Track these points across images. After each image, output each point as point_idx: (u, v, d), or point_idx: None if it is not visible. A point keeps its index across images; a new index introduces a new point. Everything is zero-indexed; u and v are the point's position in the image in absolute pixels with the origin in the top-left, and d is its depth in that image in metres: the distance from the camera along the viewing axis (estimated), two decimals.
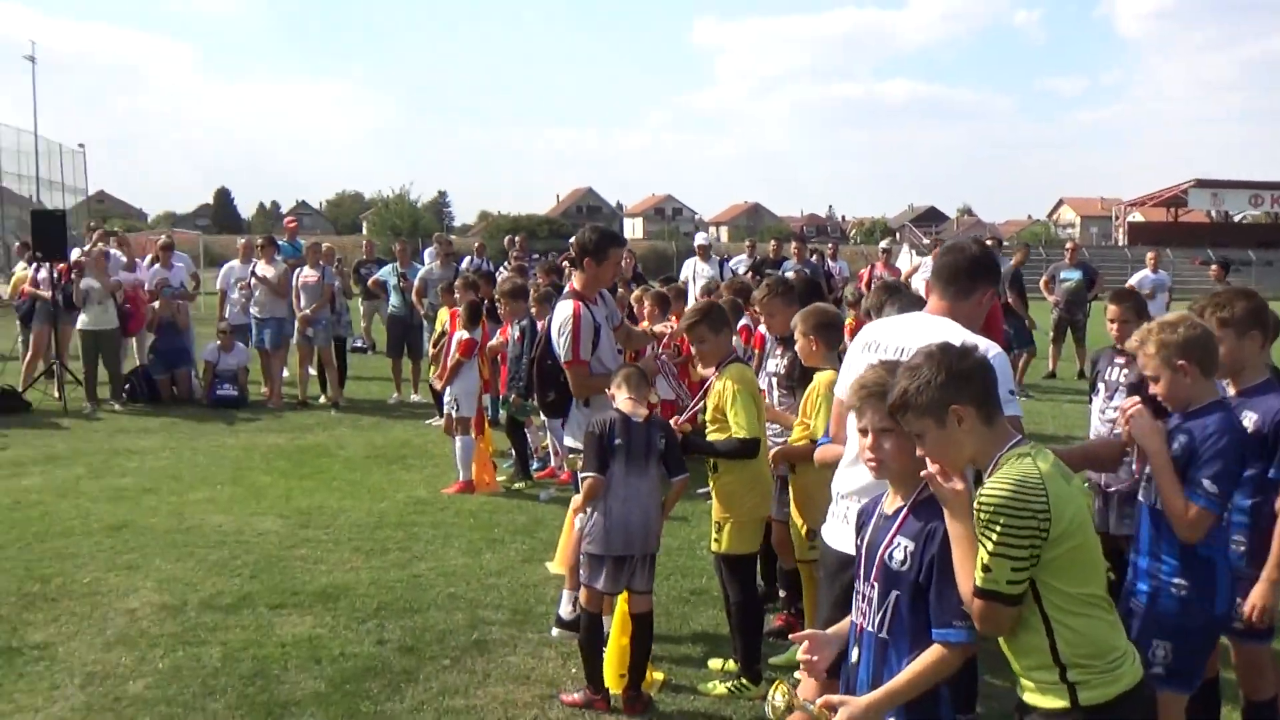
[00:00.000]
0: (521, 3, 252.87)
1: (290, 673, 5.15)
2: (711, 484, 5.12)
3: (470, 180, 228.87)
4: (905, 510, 2.89)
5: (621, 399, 4.97)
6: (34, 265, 13.22)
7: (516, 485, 9.18)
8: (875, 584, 2.89)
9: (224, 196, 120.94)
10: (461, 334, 9.27)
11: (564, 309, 5.57)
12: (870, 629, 2.91)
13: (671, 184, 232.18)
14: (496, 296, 10.00)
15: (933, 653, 2.76)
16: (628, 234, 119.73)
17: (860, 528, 3.06)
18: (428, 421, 12.01)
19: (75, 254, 13.18)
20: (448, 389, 9.25)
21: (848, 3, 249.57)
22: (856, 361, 3.66)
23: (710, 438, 5.07)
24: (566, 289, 5.89)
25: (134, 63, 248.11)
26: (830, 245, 18.75)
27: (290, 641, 5.53)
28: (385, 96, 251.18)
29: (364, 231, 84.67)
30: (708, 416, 5.07)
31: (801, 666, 3.11)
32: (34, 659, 5.26)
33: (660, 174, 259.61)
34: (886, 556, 2.86)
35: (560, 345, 5.52)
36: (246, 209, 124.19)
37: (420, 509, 8.34)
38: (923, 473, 2.77)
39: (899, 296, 4.99)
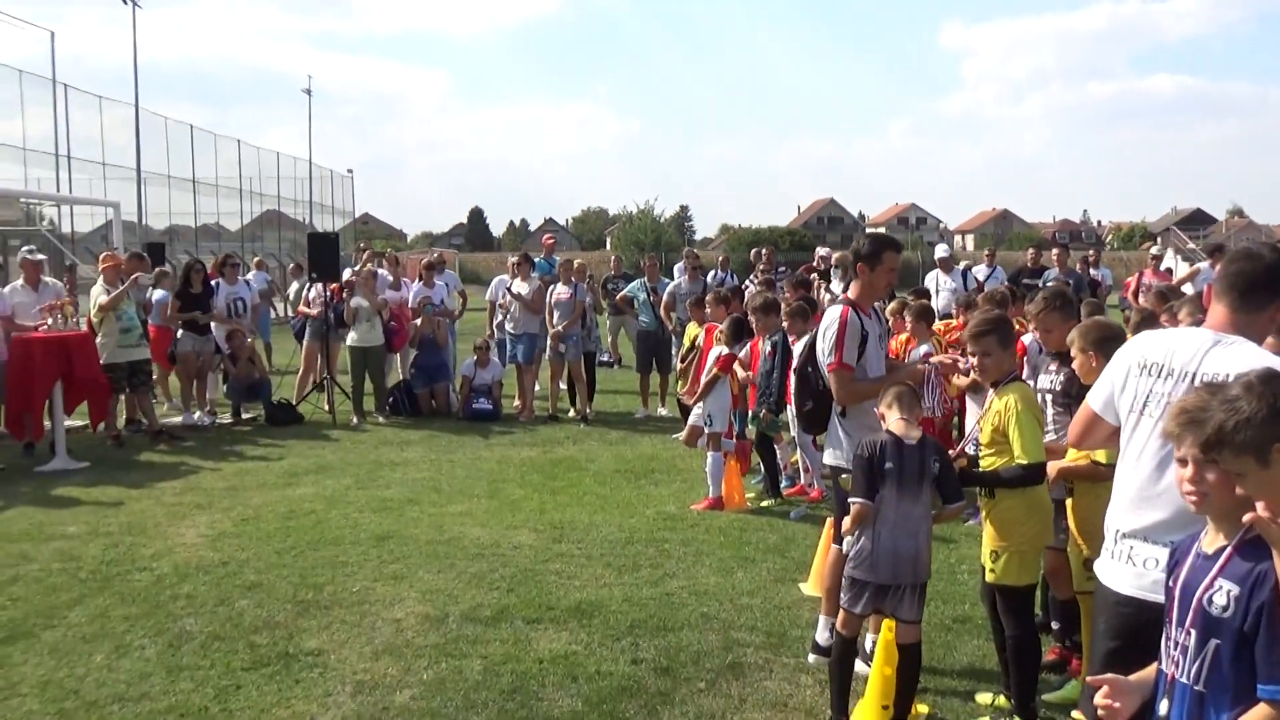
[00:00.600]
0: (762, 16, 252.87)
1: (548, 690, 5.16)
2: (985, 511, 4.82)
3: (711, 193, 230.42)
4: (1229, 550, 2.57)
5: (893, 419, 4.75)
6: (306, 285, 14.04)
7: (765, 503, 9.04)
8: (1191, 630, 2.59)
9: (477, 215, 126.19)
10: (720, 349, 9.20)
11: (832, 313, 5.39)
12: (1184, 680, 2.61)
13: (915, 192, 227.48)
14: (747, 311, 9.90)
15: (1259, 712, 2.44)
16: None
17: (1173, 566, 2.76)
18: (675, 436, 12.02)
19: (346, 274, 13.90)
20: (700, 404, 9.19)
21: None
22: (1120, 375, 3.34)
23: (987, 461, 4.76)
24: (840, 296, 5.71)
25: (396, 91, 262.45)
26: (1091, 251, 17.72)
27: (547, 657, 5.56)
28: (628, 114, 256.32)
29: (609, 246, 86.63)
30: (984, 439, 4.76)
31: (1099, 714, 2.83)
32: (308, 665, 5.47)
33: (903, 182, 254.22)
34: (1205, 600, 2.55)
35: (824, 349, 5.33)
36: (498, 227, 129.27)
37: (670, 525, 8.30)
38: (1247, 517, 2.46)
39: (1190, 305, 4.58)
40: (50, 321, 10.84)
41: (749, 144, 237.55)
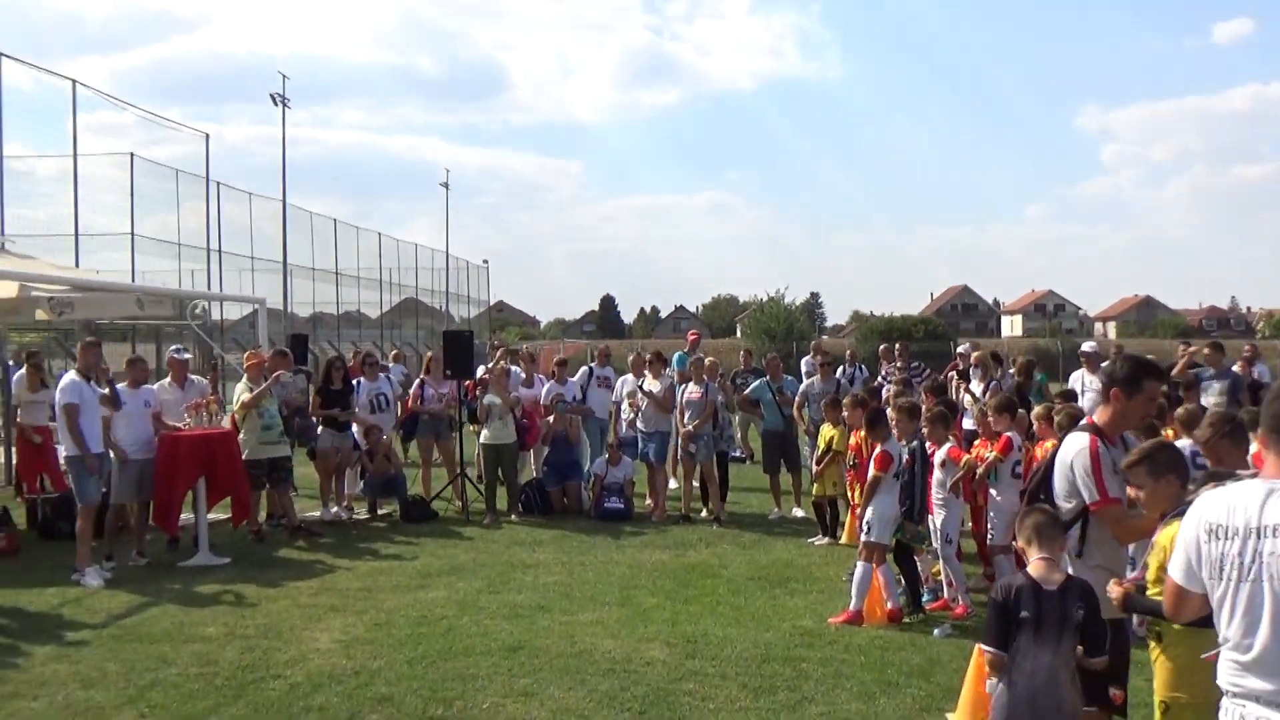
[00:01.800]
0: (895, 100, 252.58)
1: None
2: (1154, 656, 4.46)
3: (842, 280, 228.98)
4: None
5: (1033, 559, 4.46)
6: (420, 382, 14.30)
7: (907, 619, 8.66)
8: None
9: (608, 303, 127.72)
10: (878, 448, 8.94)
11: (1078, 443, 4.93)
12: None
13: (1052, 279, 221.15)
14: (890, 414, 9.64)
15: None
16: (1005, 331, 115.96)
17: None
18: (810, 540, 11.73)
19: (480, 371, 14.04)
20: (868, 509, 8.87)
21: (1251, 79, 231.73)
22: (1193, 544, 3.23)
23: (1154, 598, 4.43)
24: (1084, 421, 5.28)
25: (532, 181, 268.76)
26: (1248, 346, 16.71)
27: None
28: (760, 201, 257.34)
29: (739, 334, 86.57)
30: (1150, 575, 4.43)
31: None
32: None
33: (1040, 269, 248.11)
34: None
35: (1084, 485, 4.84)
36: (629, 314, 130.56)
37: (808, 641, 8.00)
38: None
39: None
40: (192, 420, 11.11)
41: (881, 229, 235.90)
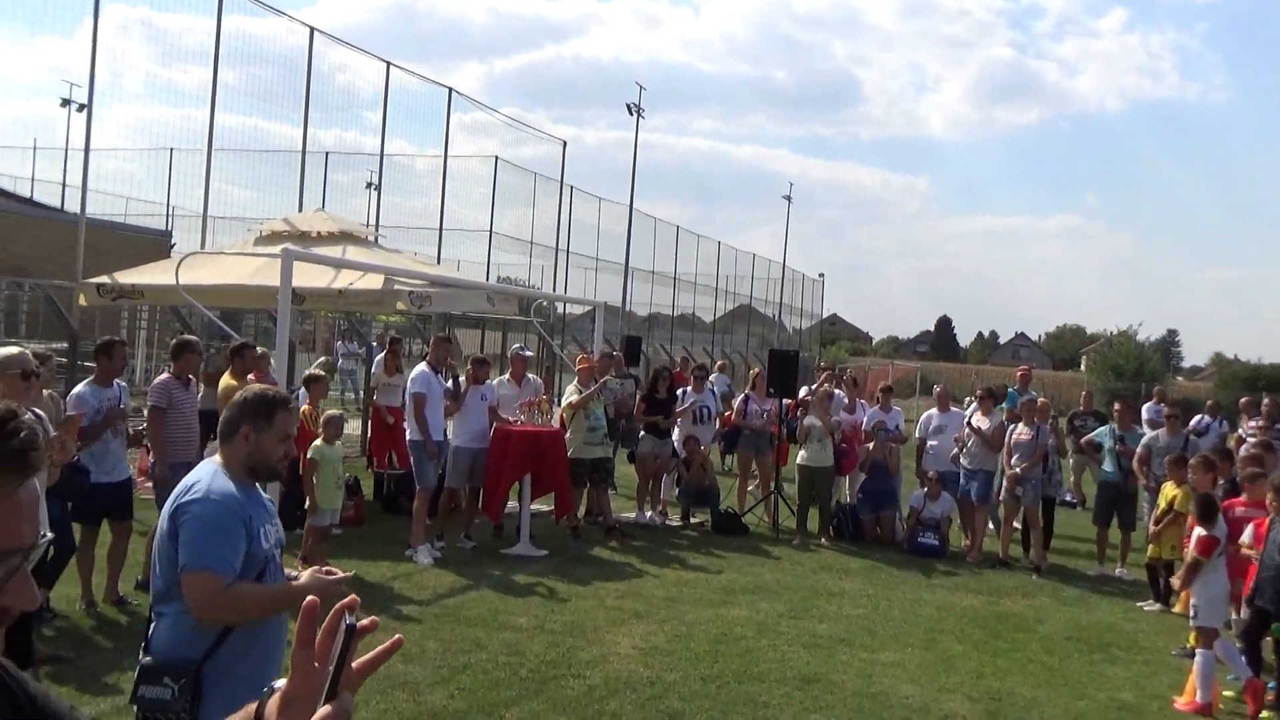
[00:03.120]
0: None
1: None
2: None
3: (1205, 319, 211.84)
4: None
5: None
6: (744, 397, 14.36)
7: (1264, 715, 7.83)
8: None
9: (945, 324, 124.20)
10: (1199, 530, 8.24)
11: None
12: None
13: None
14: (1236, 477, 8.84)
15: None
16: None
17: None
18: (1140, 605, 10.92)
19: (803, 392, 13.99)
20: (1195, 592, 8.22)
21: None
22: None
23: None
24: None
25: (874, 195, 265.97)
26: None
27: None
28: (1120, 228, 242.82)
29: (1082, 368, 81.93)
30: None
31: None
32: None
33: None
34: None
35: None
36: (965, 337, 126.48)
37: (1124, 717, 7.44)
38: None
39: None
40: (525, 417, 11.67)
41: (1255, 265, 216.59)
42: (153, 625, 3.56)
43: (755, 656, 8.15)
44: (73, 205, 26.34)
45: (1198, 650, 7.95)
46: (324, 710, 1.33)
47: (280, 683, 1.48)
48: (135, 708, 3.48)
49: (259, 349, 9.88)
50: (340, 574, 3.57)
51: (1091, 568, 12.55)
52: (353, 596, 1.43)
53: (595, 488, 12.43)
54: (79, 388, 8.23)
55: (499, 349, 25.50)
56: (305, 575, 3.53)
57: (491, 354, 25.81)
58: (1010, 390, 15.36)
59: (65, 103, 32.49)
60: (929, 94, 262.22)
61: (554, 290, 30.69)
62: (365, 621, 1.39)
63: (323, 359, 17.14)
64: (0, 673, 1.39)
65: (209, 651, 3.43)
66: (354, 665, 1.38)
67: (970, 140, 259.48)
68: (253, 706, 1.50)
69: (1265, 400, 14.93)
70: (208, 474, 3.56)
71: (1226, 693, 8.01)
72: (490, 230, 27.06)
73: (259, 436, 3.58)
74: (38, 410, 6.57)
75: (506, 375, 12.65)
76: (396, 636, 1.43)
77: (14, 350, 6.29)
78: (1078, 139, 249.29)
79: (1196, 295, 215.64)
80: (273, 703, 1.47)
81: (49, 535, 1.30)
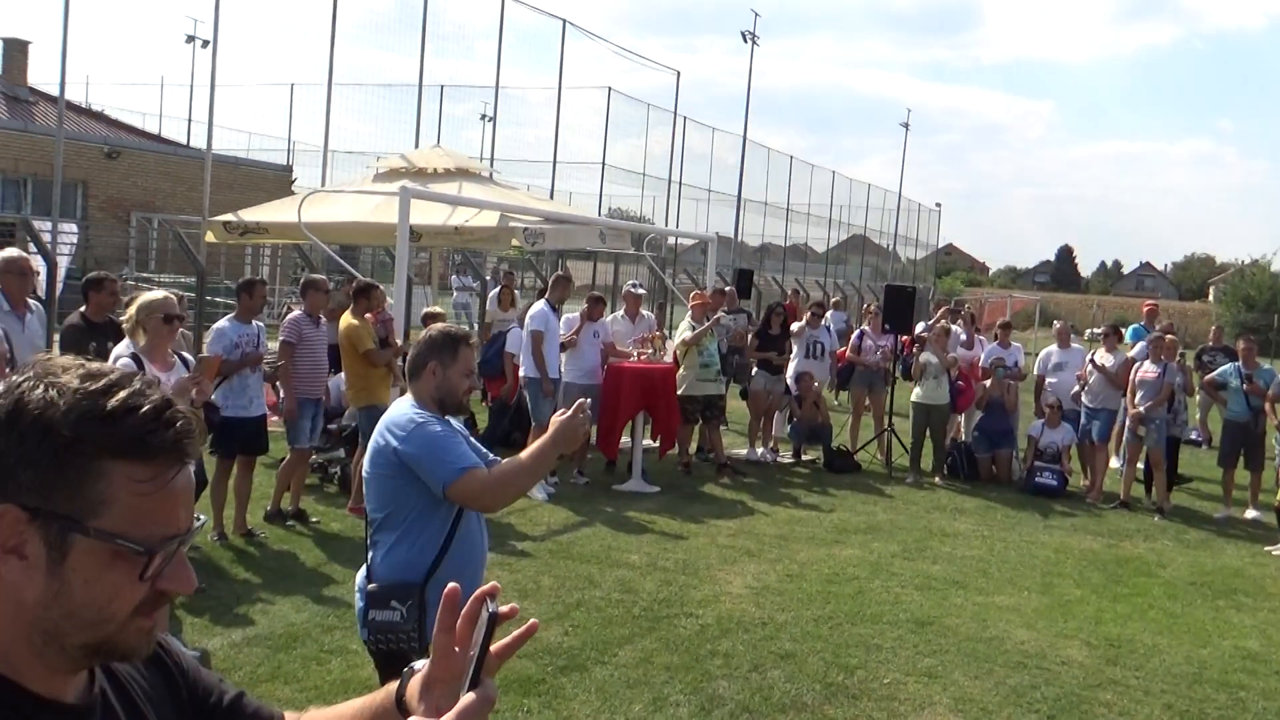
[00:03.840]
0: None
1: None
2: None
3: None
4: None
5: None
6: (859, 332, 14.22)
7: None
8: None
9: (1066, 254, 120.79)
10: None
11: None
12: None
13: None
14: None
15: None
16: None
17: None
18: (1269, 549, 10.60)
19: (919, 328, 13.78)
20: None
21: None
22: None
23: None
24: None
25: (997, 121, 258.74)
26: None
27: None
28: (1255, 153, 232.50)
29: (1210, 299, 79.05)
30: None
31: None
32: None
33: None
34: None
35: None
36: (1087, 267, 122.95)
37: (1250, 666, 7.25)
38: None
39: None
40: (638, 353, 11.72)
41: None
42: (370, 554, 3.89)
43: (867, 598, 8.13)
44: (198, 141, 27.13)
45: None
46: (468, 698, 1.36)
47: (420, 664, 1.52)
48: (366, 631, 3.81)
49: (380, 288, 10.05)
50: (575, 405, 3.67)
51: (1217, 510, 12.21)
52: (494, 584, 1.47)
53: (707, 424, 12.45)
54: (220, 323, 8.55)
55: (612, 280, 25.64)
56: (551, 423, 3.67)
57: (604, 286, 26.01)
58: (1136, 325, 14.89)
59: (190, 39, 33.26)
60: (1055, 13, 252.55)
61: (666, 222, 30.64)
62: (505, 608, 1.42)
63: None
64: (158, 649, 1.46)
65: (429, 572, 3.72)
66: (492, 650, 1.41)
67: (1098, 62, 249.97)
68: (394, 685, 1.55)
69: None
70: (409, 407, 3.84)
71: None
72: (603, 162, 27.11)
73: (445, 371, 3.83)
74: (184, 354, 6.84)
75: (620, 313, 12.71)
76: (532, 622, 1.46)
77: (158, 295, 6.51)
78: (1212, 59, 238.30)
79: None
80: (414, 685, 1.51)
81: (202, 519, 1.35)
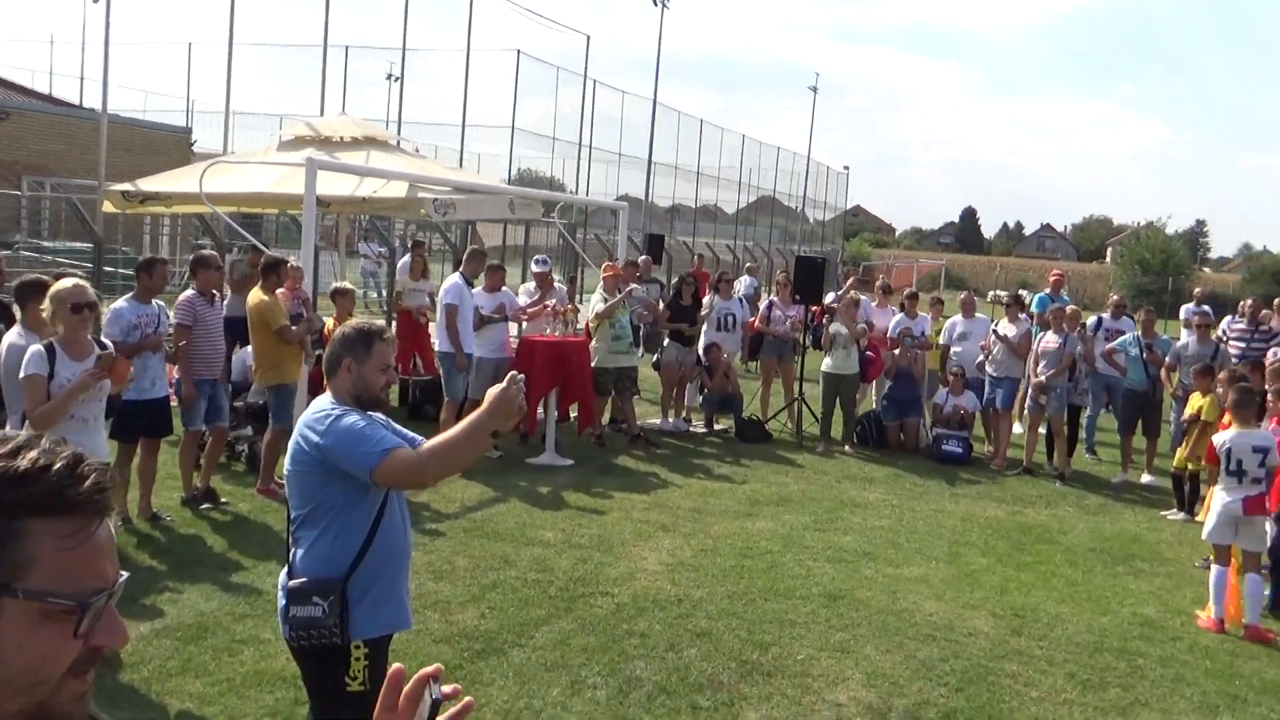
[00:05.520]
0: None
1: None
2: None
3: (1236, 209, 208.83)
4: None
5: None
6: (769, 303, 14.32)
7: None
8: None
9: (969, 215, 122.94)
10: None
11: None
12: None
13: None
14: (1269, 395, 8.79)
15: None
16: None
17: None
18: (1164, 514, 10.97)
19: (828, 298, 13.91)
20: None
21: None
22: None
23: None
24: None
25: (904, 84, 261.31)
26: None
27: None
28: (1153, 117, 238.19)
29: (1108, 259, 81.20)
30: None
31: None
32: None
33: None
34: None
35: None
36: (990, 228, 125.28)
37: (1147, 633, 7.50)
38: None
39: None
40: (550, 328, 11.66)
41: None
42: (292, 550, 3.86)
43: (781, 572, 8.23)
44: (92, 101, 26.26)
45: (1212, 562, 8.00)
46: None
47: None
48: (287, 628, 3.79)
49: (291, 262, 9.81)
50: (509, 377, 3.52)
51: (1115, 475, 12.59)
52: (436, 666, 1.47)
53: (620, 396, 12.46)
54: (119, 303, 8.25)
55: (523, 243, 25.44)
56: (486, 397, 3.52)
57: (515, 248, 25.80)
58: (1041, 295, 15.20)
59: None
60: None
61: (576, 185, 30.48)
62: (449, 689, 1.43)
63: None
64: None
65: (351, 568, 3.73)
66: None
67: (1004, 26, 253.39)
68: None
69: (1250, 301, 14.59)
70: (326, 403, 3.82)
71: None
72: (513, 125, 26.78)
73: (360, 368, 3.81)
74: (104, 340, 6.64)
75: (532, 284, 12.63)
76: (467, 700, 1.46)
77: (69, 283, 6.29)
78: (1113, 24, 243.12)
79: (1227, 185, 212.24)
80: None
81: (125, 574, 1.35)
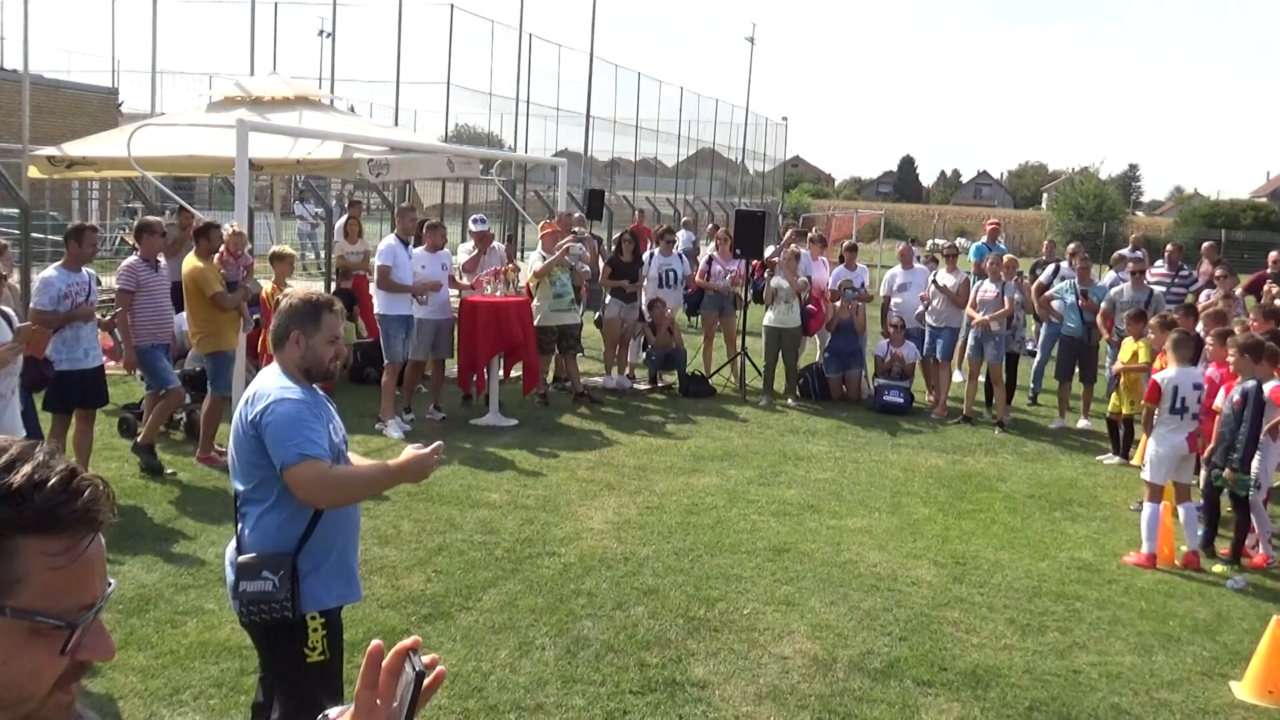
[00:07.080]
0: None
1: None
2: None
3: (1167, 150, 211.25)
4: None
5: None
6: (709, 259, 14.31)
7: (1217, 569, 8.08)
8: None
9: (907, 164, 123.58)
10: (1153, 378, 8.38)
11: None
12: None
13: None
14: (1206, 338, 8.98)
15: None
16: None
17: None
18: (1100, 458, 11.18)
19: (769, 251, 13.93)
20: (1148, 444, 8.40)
21: None
22: None
23: None
24: None
25: (845, 29, 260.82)
26: None
27: None
28: (1088, 58, 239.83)
29: (1044, 205, 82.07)
30: None
31: None
32: (693, 699, 5.49)
33: None
34: None
35: None
36: (928, 176, 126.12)
37: (1084, 577, 7.67)
38: None
39: None
40: (491, 288, 11.57)
41: (1225, 91, 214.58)
42: (239, 525, 3.85)
43: (726, 527, 8.30)
44: (12, 62, 25.48)
45: (1145, 503, 8.19)
46: None
47: (335, 711, 1.51)
48: (238, 604, 3.76)
49: (231, 227, 9.62)
50: (432, 447, 3.74)
51: (1053, 420, 12.80)
52: (415, 638, 1.47)
53: (564, 354, 12.43)
54: (48, 271, 8.10)
55: (462, 201, 25.21)
56: (403, 454, 3.71)
57: (454, 206, 25.55)
58: (979, 244, 15.34)
59: None
60: None
61: (515, 140, 30.20)
62: (427, 659, 1.46)
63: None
64: None
65: (300, 542, 3.73)
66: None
67: None
68: None
69: (1170, 248, 14.93)
70: (274, 377, 3.81)
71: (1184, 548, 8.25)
72: (448, 81, 26.45)
73: (309, 340, 3.80)
74: (7, 310, 6.47)
75: (471, 244, 12.52)
76: (440, 669, 1.48)
77: None
78: None
79: (1160, 124, 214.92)
80: None
81: (113, 583, 1.33)
